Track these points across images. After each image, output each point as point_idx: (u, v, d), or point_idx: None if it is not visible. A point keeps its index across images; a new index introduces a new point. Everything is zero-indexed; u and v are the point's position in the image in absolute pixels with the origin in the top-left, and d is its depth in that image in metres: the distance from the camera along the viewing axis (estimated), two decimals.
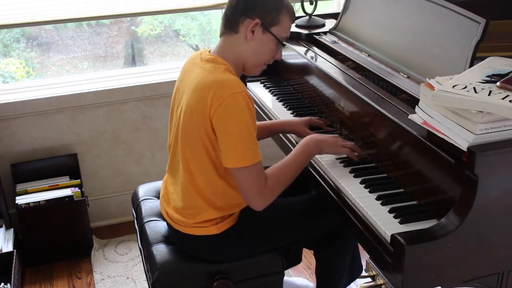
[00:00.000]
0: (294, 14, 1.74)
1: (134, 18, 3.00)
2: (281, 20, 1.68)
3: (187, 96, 1.64)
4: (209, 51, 1.72)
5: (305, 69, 2.21)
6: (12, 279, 2.33)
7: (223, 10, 1.71)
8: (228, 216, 1.72)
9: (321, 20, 2.45)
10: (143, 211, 1.98)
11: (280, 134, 2.06)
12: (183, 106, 1.66)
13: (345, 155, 1.78)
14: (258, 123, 1.83)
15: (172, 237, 1.80)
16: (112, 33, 3.06)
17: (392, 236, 1.34)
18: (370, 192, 1.59)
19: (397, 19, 1.94)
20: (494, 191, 1.32)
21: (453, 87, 1.32)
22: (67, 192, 2.65)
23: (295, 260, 2.22)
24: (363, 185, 1.63)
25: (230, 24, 1.67)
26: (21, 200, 2.59)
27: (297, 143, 1.85)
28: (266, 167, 1.74)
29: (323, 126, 1.98)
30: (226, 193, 1.67)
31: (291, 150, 1.78)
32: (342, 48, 2.15)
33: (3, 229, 2.66)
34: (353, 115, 1.85)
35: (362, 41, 2.10)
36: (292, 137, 1.99)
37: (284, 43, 1.75)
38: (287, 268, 1.87)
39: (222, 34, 1.71)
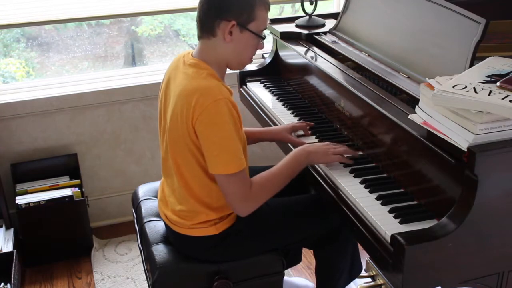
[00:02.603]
0: (268, 3, 1.69)
1: (134, 18, 3.00)
2: (257, 15, 1.64)
3: (172, 103, 1.63)
4: (191, 54, 1.70)
5: (305, 69, 2.21)
6: (12, 279, 2.33)
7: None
8: (226, 216, 1.72)
9: (321, 20, 2.45)
10: (143, 211, 1.98)
11: None
12: (169, 113, 1.65)
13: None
14: (245, 129, 1.80)
15: (171, 238, 1.80)
16: (112, 33, 3.06)
17: (392, 236, 1.34)
18: (370, 192, 1.59)
19: (397, 19, 1.94)
20: (494, 191, 1.32)
21: (453, 87, 1.32)
22: (67, 192, 2.65)
23: (295, 260, 2.23)
24: (363, 185, 1.63)
25: (206, 28, 1.64)
26: (21, 200, 2.59)
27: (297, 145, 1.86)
28: (265, 167, 1.73)
29: (304, 130, 1.96)
30: (221, 194, 1.66)
31: (291, 150, 1.78)
32: (342, 48, 2.15)
33: (3, 229, 2.66)
34: (353, 115, 1.85)
35: (362, 41, 2.10)
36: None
37: (265, 35, 1.72)
38: (287, 268, 1.87)
39: (199, 38, 1.68)
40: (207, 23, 1.64)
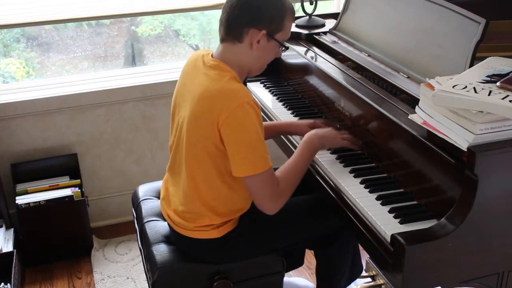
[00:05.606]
0: (294, 13, 1.71)
1: (134, 18, 3.00)
2: (285, 25, 1.66)
3: (192, 104, 1.61)
4: (211, 55, 1.69)
5: (305, 69, 2.22)
6: (12, 279, 2.33)
7: (221, 14, 1.67)
8: (229, 220, 1.72)
9: (321, 20, 2.45)
10: (143, 211, 1.98)
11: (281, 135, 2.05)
12: (186, 114, 1.63)
13: (343, 152, 1.79)
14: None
15: (173, 238, 1.80)
16: (112, 33, 3.07)
17: (392, 236, 1.34)
18: (370, 192, 1.59)
19: (397, 19, 1.94)
20: (494, 191, 1.32)
21: (453, 87, 1.32)
22: (67, 192, 2.65)
23: (298, 262, 2.22)
24: (363, 185, 1.63)
25: (233, 33, 1.63)
26: (21, 200, 2.59)
27: (298, 144, 1.85)
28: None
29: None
30: (228, 199, 1.67)
31: (292, 150, 1.78)
32: (342, 48, 2.15)
33: (3, 229, 2.66)
34: (353, 115, 1.85)
35: (362, 41, 2.10)
36: (293, 138, 1.99)
37: (288, 45, 1.73)
38: (289, 270, 1.87)
39: (223, 41, 1.66)
40: (236, 29, 1.62)
